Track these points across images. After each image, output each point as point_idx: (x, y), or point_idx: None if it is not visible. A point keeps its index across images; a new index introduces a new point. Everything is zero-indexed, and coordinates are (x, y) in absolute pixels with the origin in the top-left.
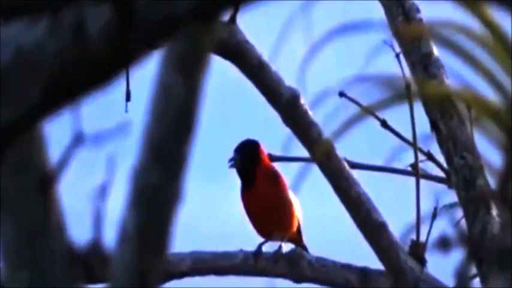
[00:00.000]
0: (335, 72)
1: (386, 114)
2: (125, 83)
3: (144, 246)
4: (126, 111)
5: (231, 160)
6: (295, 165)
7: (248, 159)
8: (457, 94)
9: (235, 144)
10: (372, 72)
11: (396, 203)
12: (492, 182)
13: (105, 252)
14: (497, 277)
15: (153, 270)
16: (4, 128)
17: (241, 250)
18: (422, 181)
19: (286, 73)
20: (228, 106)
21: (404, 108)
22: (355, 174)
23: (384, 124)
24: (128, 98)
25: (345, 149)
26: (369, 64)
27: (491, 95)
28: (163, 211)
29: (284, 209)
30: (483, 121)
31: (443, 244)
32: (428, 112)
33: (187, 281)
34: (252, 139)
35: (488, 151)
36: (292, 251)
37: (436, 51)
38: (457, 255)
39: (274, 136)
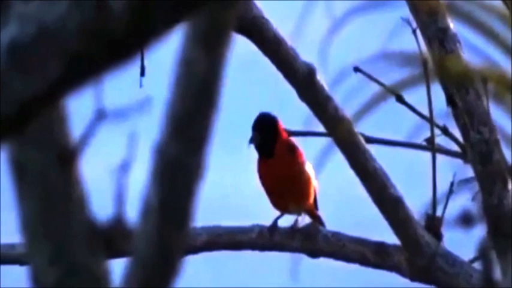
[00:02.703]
0: (356, 49)
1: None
2: (144, 58)
3: (167, 220)
4: (141, 86)
5: (250, 139)
6: (313, 140)
7: (267, 134)
8: (474, 69)
9: (253, 117)
10: (392, 48)
11: (412, 178)
12: (509, 156)
13: (127, 226)
14: None
15: (176, 244)
16: (28, 102)
17: (257, 224)
18: (438, 156)
19: (308, 50)
20: (246, 80)
21: (420, 83)
22: (371, 149)
23: (399, 99)
24: (142, 73)
25: (361, 124)
26: (389, 41)
27: (510, 68)
28: (185, 185)
29: (301, 180)
30: (503, 95)
31: (466, 220)
32: (444, 87)
33: (203, 255)
34: (269, 113)
35: (508, 125)
36: (308, 226)
37: (452, 26)
38: (474, 230)
39: (292, 110)
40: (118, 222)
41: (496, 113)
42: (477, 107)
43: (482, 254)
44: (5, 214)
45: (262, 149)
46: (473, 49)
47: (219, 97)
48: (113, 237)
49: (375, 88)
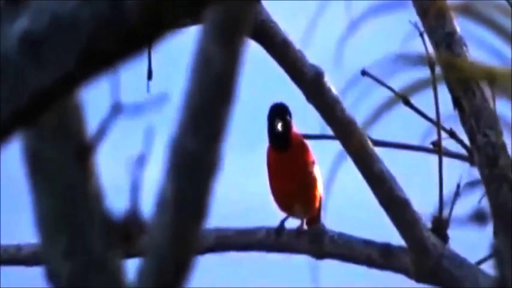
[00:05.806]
0: (370, 51)
1: None
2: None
3: (182, 214)
4: (148, 90)
5: (278, 126)
6: (324, 144)
7: (286, 123)
8: (480, 69)
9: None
10: (401, 51)
11: (418, 181)
12: None
13: (142, 220)
14: None
15: (191, 238)
16: (40, 93)
17: (263, 226)
18: (445, 159)
19: (321, 53)
20: (257, 83)
21: (428, 86)
22: (378, 151)
23: (407, 102)
24: (149, 76)
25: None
26: (400, 43)
27: None
28: (201, 180)
29: (310, 180)
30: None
31: (479, 217)
32: (451, 90)
33: (210, 256)
34: (282, 103)
35: None
36: (314, 227)
37: (459, 29)
38: (480, 231)
39: (304, 114)
40: (133, 216)
41: (506, 113)
42: (484, 110)
43: (496, 253)
44: (15, 215)
45: (278, 139)
46: (488, 49)
47: (235, 92)
48: (128, 230)
49: (384, 91)
